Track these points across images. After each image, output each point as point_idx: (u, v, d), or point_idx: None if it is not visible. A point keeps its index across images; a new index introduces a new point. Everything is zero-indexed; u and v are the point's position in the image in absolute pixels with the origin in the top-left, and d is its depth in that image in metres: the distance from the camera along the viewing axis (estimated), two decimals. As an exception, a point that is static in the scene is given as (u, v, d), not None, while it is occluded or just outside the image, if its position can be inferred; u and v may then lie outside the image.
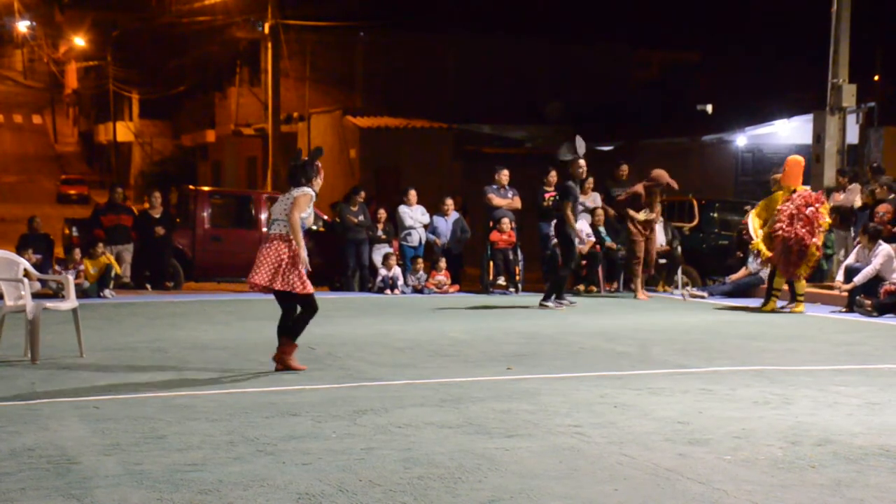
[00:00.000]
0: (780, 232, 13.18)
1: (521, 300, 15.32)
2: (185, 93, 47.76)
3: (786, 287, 13.69)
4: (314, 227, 18.23)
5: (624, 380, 8.05)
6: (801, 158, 13.84)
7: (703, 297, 15.51)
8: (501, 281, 16.48)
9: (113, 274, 15.68)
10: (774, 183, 14.02)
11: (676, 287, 16.46)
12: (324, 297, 15.79)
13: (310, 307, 8.40)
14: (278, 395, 7.39)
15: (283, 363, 8.33)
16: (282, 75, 33.48)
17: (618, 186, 17.42)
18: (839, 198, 15.66)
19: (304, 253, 8.34)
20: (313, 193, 8.44)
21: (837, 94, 16.63)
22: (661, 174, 15.38)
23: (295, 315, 8.43)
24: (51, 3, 71.44)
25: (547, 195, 16.71)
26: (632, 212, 15.35)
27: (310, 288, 8.34)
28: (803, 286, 13.68)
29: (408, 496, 4.85)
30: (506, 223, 16.39)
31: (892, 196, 14.63)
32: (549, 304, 13.65)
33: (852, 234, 15.37)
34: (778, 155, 22.65)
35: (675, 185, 15.34)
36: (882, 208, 14.46)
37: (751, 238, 13.90)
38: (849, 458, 5.60)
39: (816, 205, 13.31)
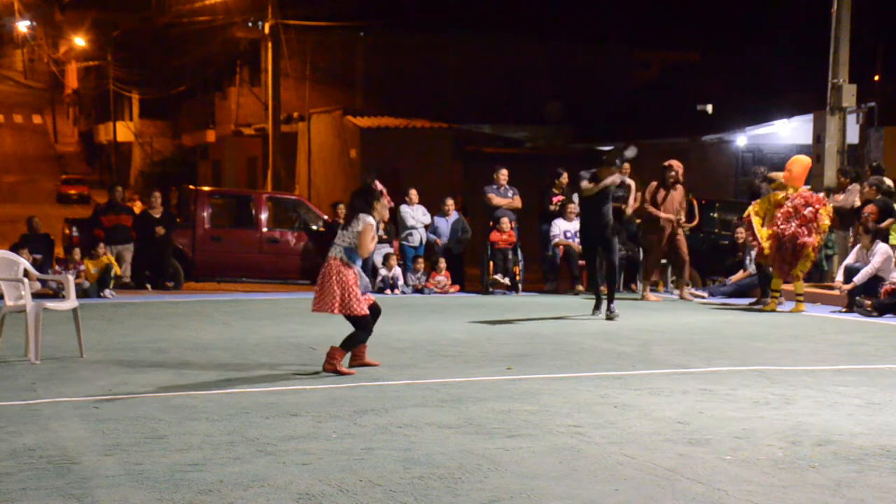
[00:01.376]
0: (775, 230, 13.21)
1: (521, 300, 15.32)
2: (186, 93, 47.75)
3: (787, 287, 13.68)
4: (314, 228, 18.27)
5: (624, 380, 8.05)
6: (807, 159, 13.88)
7: (702, 298, 15.51)
8: (501, 279, 16.47)
9: (112, 274, 15.69)
10: (774, 181, 13.91)
11: (676, 287, 16.45)
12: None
13: (363, 327, 8.51)
14: (278, 395, 7.39)
15: (332, 367, 8.36)
16: (282, 75, 33.45)
17: (618, 186, 17.41)
18: (839, 198, 15.65)
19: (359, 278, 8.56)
20: (373, 222, 8.49)
21: (837, 94, 16.63)
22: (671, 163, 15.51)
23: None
24: (51, 2, 71.42)
25: (555, 199, 16.73)
26: (652, 210, 15.20)
27: (364, 311, 8.44)
28: (801, 286, 13.69)
29: (408, 496, 4.85)
30: (505, 223, 16.39)
31: (878, 196, 14.65)
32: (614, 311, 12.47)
33: (850, 235, 15.39)
34: (778, 155, 22.63)
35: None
36: (868, 209, 14.51)
37: (754, 238, 13.83)
38: (849, 458, 5.60)
39: (817, 206, 13.33)
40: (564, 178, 16.78)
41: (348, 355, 8.60)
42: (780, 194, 13.55)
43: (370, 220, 8.48)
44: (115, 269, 15.89)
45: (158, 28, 48.76)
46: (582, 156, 26.07)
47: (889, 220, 14.06)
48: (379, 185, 8.82)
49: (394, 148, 30.41)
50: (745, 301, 14.81)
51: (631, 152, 12.95)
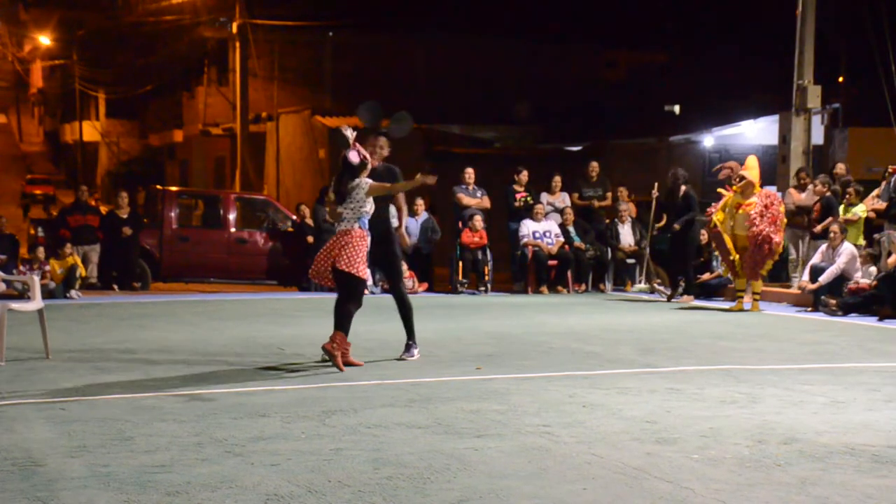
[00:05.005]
0: (753, 229, 13.31)
1: (489, 300, 15.34)
2: (153, 92, 47.42)
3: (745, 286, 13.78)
4: (282, 228, 18.21)
5: (592, 379, 8.08)
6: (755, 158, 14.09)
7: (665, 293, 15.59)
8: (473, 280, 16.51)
9: (77, 275, 15.57)
10: (740, 179, 13.82)
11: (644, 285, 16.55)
12: (292, 298, 15.76)
13: (352, 292, 8.54)
14: (247, 395, 7.36)
15: (331, 358, 8.43)
16: (250, 75, 33.31)
17: (589, 186, 17.57)
18: (801, 197, 15.75)
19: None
20: (364, 184, 8.76)
21: (803, 96, 16.79)
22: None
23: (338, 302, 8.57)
24: (15, 1, 70.70)
25: (518, 195, 16.82)
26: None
27: (362, 272, 8.48)
28: (760, 285, 13.80)
29: (377, 497, 4.85)
30: (478, 220, 16.46)
31: (828, 194, 14.85)
32: None
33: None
34: (745, 155, 22.80)
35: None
36: (816, 206, 14.80)
37: (724, 253, 13.90)
38: (814, 456, 5.65)
39: (776, 203, 13.56)
40: (524, 175, 16.95)
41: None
42: (731, 196, 13.65)
43: (365, 180, 8.70)
44: (81, 270, 15.77)
45: (125, 27, 48.39)
46: (551, 156, 26.17)
47: (829, 220, 14.26)
48: (357, 157, 8.85)
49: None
50: (713, 302, 14.91)
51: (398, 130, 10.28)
